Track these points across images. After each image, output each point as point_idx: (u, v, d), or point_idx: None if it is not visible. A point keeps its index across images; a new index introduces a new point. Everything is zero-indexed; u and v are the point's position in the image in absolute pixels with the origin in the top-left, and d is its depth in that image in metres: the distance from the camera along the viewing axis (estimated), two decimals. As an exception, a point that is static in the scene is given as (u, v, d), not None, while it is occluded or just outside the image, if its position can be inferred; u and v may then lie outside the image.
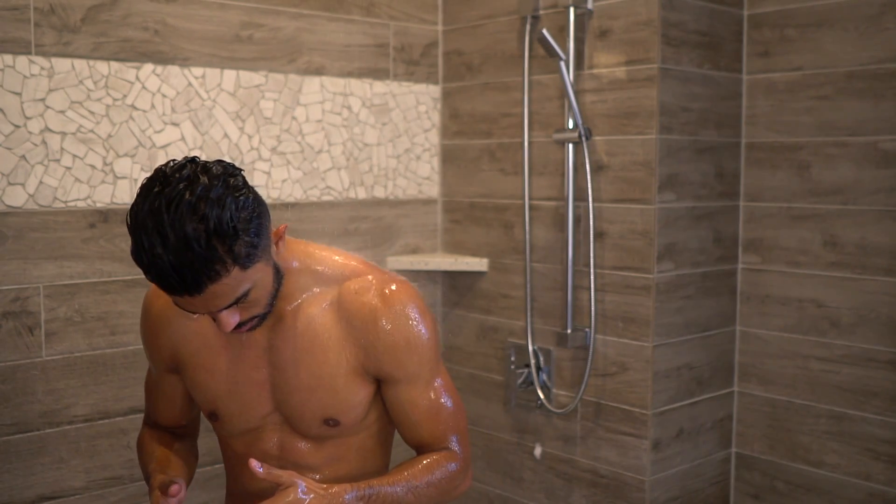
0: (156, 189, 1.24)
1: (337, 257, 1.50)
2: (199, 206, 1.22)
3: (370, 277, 1.47)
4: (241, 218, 1.25)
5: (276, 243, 1.37)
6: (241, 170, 1.32)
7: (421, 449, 1.52)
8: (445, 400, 1.50)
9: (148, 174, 2.11)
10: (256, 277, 1.31)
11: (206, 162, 1.29)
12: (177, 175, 1.24)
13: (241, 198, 1.26)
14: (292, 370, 1.46)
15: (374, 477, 1.46)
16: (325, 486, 1.36)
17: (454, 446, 1.50)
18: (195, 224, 1.21)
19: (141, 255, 1.23)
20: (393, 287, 1.46)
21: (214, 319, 1.33)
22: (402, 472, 1.44)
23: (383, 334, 1.44)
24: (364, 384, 1.47)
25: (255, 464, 1.30)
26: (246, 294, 1.30)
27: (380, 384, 1.49)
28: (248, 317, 1.36)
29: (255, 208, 1.29)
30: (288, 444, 1.51)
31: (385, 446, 1.58)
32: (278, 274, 1.39)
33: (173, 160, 1.30)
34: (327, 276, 1.47)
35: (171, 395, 1.62)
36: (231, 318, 1.33)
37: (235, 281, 1.27)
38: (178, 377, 1.59)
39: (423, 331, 1.46)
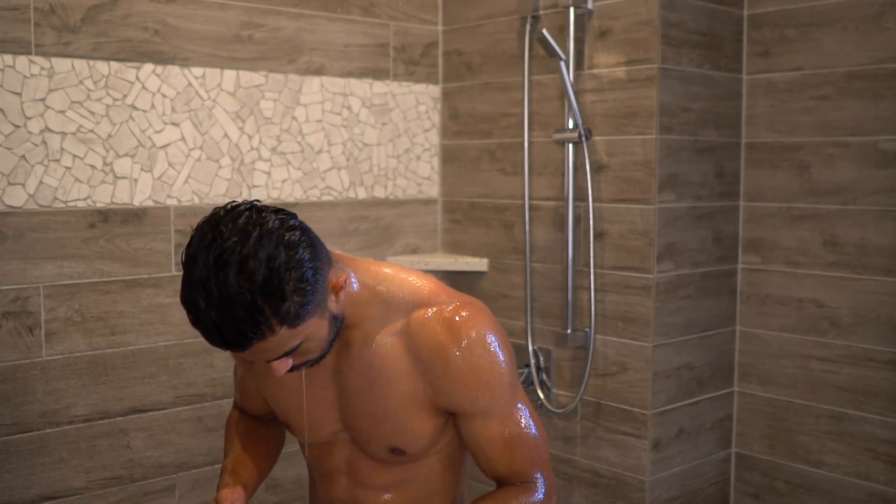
0: (208, 237, 1.18)
1: (410, 278, 1.41)
2: (248, 263, 1.15)
3: (440, 305, 1.38)
4: (292, 278, 1.19)
5: (337, 294, 1.30)
6: (299, 222, 1.25)
7: (500, 482, 1.44)
8: (524, 432, 1.41)
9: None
10: (308, 332, 1.25)
11: (264, 211, 1.22)
12: (230, 225, 1.19)
13: (296, 256, 1.19)
14: (358, 398, 1.41)
15: (443, 499, 1.44)
16: None
17: (535, 479, 1.42)
18: (241, 283, 1.15)
19: (187, 304, 1.19)
20: (464, 314, 1.36)
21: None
22: None
23: (452, 370, 1.35)
24: (432, 417, 1.41)
25: None
26: (297, 347, 1.25)
27: (453, 413, 1.43)
28: (302, 361, 1.31)
29: (311, 264, 1.22)
30: (356, 462, 1.48)
31: (456, 467, 1.52)
32: (336, 321, 1.32)
33: (233, 202, 1.24)
34: (397, 301, 1.39)
35: (255, 391, 1.60)
36: (282, 366, 1.27)
37: (283, 338, 1.22)
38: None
39: (495, 362, 1.37)
